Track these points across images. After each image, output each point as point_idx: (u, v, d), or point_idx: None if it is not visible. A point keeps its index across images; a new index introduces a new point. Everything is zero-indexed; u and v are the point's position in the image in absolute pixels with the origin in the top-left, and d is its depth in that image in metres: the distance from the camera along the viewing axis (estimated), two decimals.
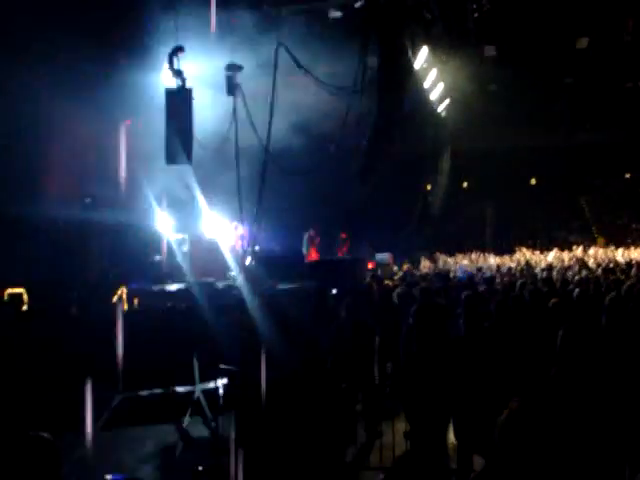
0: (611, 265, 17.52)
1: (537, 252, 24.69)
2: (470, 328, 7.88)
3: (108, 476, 5.41)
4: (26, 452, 4.27)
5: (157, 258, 20.35)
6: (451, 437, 8.29)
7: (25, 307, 13.70)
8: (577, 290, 9.62)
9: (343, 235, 25.62)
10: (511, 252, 26.01)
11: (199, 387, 11.55)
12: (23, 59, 16.93)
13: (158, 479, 8.56)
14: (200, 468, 5.79)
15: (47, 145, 20.24)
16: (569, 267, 17.29)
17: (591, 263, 18.80)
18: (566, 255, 22.85)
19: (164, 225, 21.05)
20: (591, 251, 24.26)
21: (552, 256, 23.02)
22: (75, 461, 8.94)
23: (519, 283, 12.44)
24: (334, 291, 12.83)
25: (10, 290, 13.89)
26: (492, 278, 14.50)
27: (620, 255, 22.09)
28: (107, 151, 20.95)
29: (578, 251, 24.15)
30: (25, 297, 13.72)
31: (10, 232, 17.88)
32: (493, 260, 23.17)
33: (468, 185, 37.98)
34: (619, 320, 7.31)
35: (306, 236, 24.15)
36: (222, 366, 9.53)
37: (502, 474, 3.82)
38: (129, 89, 19.90)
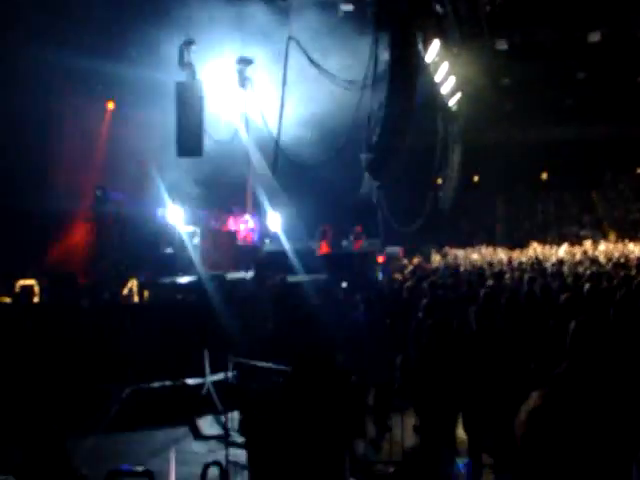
0: (622, 260, 17.45)
1: (548, 247, 24.59)
2: (483, 324, 7.84)
3: (124, 466, 5.44)
4: (35, 442, 4.31)
5: (168, 250, 20.39)
6: (460, 431, 8.29)
7: (36, 299, 13.73)
8: (588, 285, 9.57)
9: (359, 229, 25.64)
10: (522, 246, 25.91)
11: (209, 379, 11.59)
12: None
13: (168, 472, 8.56)
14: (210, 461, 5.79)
15: (57, 138, 20.33)
16: (580, 262, 17.21)
17: (602, 258, 18.70)
18: (577, 249, 22.76)
19: (175, 217, 21.09)
20: (602, 246, 24.13)
21: (563, 251, 22.93)
22: (85, 453, 8.99)
23: (528, 278, 12.41)
24: (344, 284, 12.82)
25: (21, 282, 13.92)
26: (501, 273, 14.46)
27: (631, 250, 21.97)
28: (118, 143, 21.00)
29: (587, 245, 24.03)
30: (36, 289, 13.75)
31: (21, 224, 17.96)
32: (503, 255, 23.09)
33: (479, 179, 37.87)
34: (629, 315, 7.29)
35: (319, 229, 24.17)
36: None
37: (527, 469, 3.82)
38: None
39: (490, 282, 12.09)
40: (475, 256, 24.07)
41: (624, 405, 5.00)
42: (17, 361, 10.74)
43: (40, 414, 8.49)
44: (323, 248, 23.39)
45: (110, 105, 21.89)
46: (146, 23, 19.19)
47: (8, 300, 13.02)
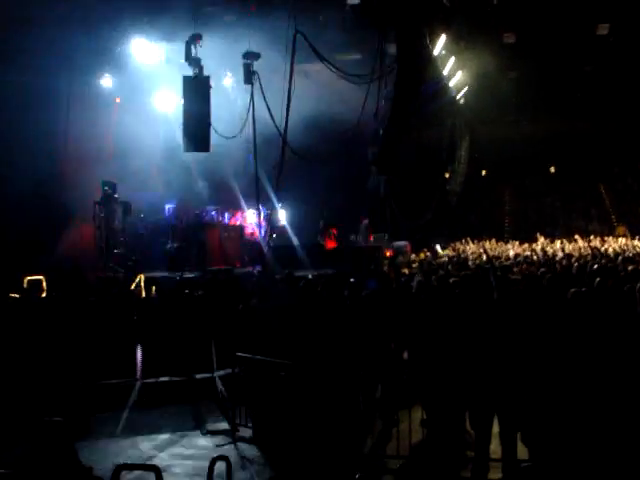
0: (630, 254, 17.37)
1: (557, 241, 24.49)
2: (491, 319, 7.83)
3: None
4: (40, 435, 4.32)
5: (175, 245, 20.46)
6: (467, 426, 8.28)
7: (44, 294, 13.79)
8: (597, 279, 9.54)
9: (367, 222, 25.67)
10: (530, 240, 25.83)
11: (217, 374, 11.61)
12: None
13: (175, 466, 8.60)
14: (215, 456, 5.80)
15: (64, 132, 20.41)
16: (588, 256, 17.15)
17: (610, 252, 18.63)
18: (582, 243, 22.64)
19: (183, 213, 21.17)
20: (610, 240, 24.02)
21: (571, 245, 22.84)
22: (93, 447, 9.03)
23: (540, 272, 12.37)
24: (352, 280, 12.79)
25: (29, 277, 13.97)
26: (509, 267, 14.41)
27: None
28: (125, 138, 21.07)
29: (596, 241, 23.92)
30: (44, 284, 13.80)
31: (29, 220, 18.03)
32: (511, 249, 23.01)
33: (487, 173, 37.78)
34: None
35: (320, 225, 24.23)
36: None
37: None
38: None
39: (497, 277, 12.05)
40: (482, 250, 23.98)
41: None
42: (26, 356, 10.78)
43: (48, 409, 8.51)
44: (329, 243, 23.40)
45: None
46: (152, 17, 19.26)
47: (17, 295, 13.07)
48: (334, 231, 24.02)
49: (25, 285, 13.74)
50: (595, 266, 12.65)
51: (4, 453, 8.17)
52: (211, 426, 10.24)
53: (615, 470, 6.28)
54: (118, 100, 21.98)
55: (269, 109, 16.79)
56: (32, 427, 4.51)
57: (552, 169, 37.32)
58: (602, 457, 6.28)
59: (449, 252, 22.90)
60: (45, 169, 18.73)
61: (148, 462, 8.40)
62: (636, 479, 6.30)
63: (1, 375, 10.37)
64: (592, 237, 24.86)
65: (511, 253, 20.08)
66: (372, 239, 24.58)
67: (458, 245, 25.05)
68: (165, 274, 17.25)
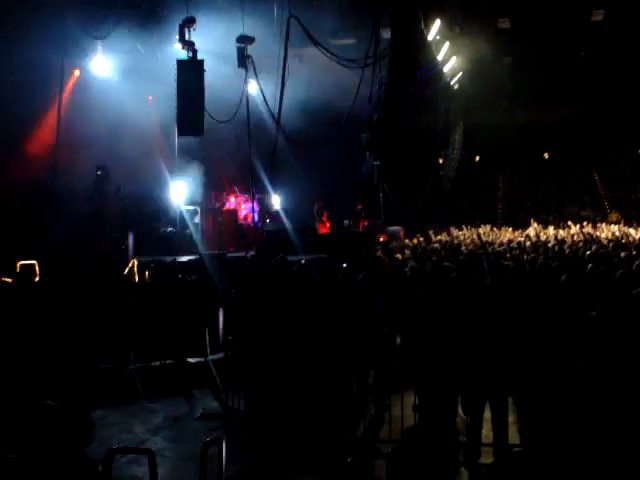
0: (623, 241, 17.42)
1: (550, 227, 24.53)
2: (482, 304, 7.86)
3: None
4: (33, 419, 4.33)
5: (169, 229, 20.45)
6: (459, 411, 8.34)
7: (37, 278, 13.75)
8: (590, 265, 9.58)
9: (360, 206, 25.69)
10: (523, 226, 25.87)
11: (210, 358, 11.64)
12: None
13: (168, 450, 8.63)
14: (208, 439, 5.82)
15: (57, 115, 20.32)
16: (580, 242, 17.19)
17: (603, 238, 18.69)
18: (575, 229, 22.67)
19: (176, 196, 21.11)
20: (603, 227, 24.08)
21: (564, 231, 22.89)
22: (87, 431, 9.05)
23: (529, 258, 12.43)
24: (344, 265, 12.81)
25: (22, 261, 13.92)
26: (502, 253, 14.46)
27: (633, 231, 21.90)
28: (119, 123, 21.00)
29: (589, 227, 23.97)
30: (37, 268, 13.76)
31: (22, 204, 17.99)
32: (504, 235, 23.05)
33: (480, 159, 37.79)
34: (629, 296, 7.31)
35: (315, 208, 24.25)
36: None
37: None
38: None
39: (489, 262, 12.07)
40: (476, 236, 23.99)
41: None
42: (18, 340, 10.76)
43: (41, 394, 8.52)
44: (323, 228, 23.42)
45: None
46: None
47: (9, 280, 13.02)
48: (325, 216, 24.07)
49: (17, 269, 13.69)
50: (587, 252, 12.70)
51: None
52: (204, 410, 10.28)
53: (607, 455, 6.33)
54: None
55: (263, 93, 16.75)
56: (26, 411, 4.51)
57: (546, 155, 37.35)
58: (594, 442, 6.33)
59: (442, 238, 22.92)
60: (38, 153, 18.68)
61: (141, 446, 8.42)
62: (627, 464, 6.35)
63: None
64: (585, 223, 24.91)
65: (504, 239, 20.12)
66: (366, 224, 24.63)
67: (452, 231, 25.08)
68: (158, 258, 17.22)
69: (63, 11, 17.75)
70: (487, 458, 7.60)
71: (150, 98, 22.34)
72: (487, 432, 7.89)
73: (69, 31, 18.25)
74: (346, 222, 25.24)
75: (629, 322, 6.73)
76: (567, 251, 14.30)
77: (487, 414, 7.90)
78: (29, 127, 19.22)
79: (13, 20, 17.35)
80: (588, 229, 23.07)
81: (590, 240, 17.48)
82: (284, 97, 15.91)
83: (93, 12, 18.79)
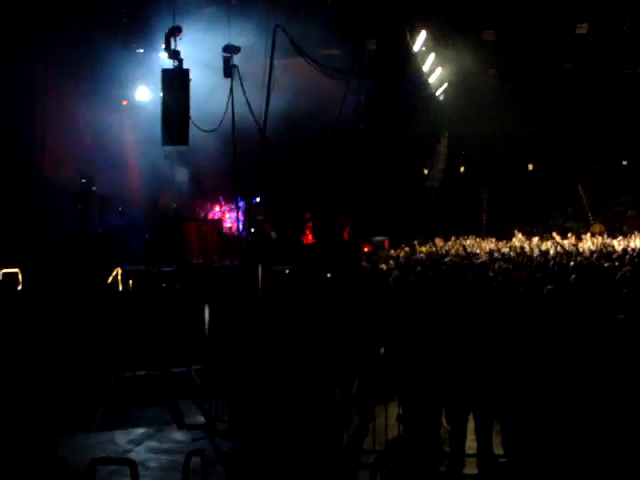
0: (605, 252, 17.53)
1: (535, 238, 24.65)
2: (467, 315, 7.87)
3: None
4: (16, 430, 4.30)
5: (151, 239, 20.38)
6: (443, 421, 8.33)
7: (20, 287, 13.68)
8: (573, 276, 9.61)
9: (343, 218, 25.69)
10: (507, 238, 25.99)
11: (194, 368, 11.58)
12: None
13: (151, 461, 8.57)
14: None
15: (44, 126, 20.22)
16: (565, 253, 17.26)
17: (586, 249, 18.81)
18: (559, 240, 22.79)
19: (161, 205, 21.06)
20: (587, 238, 24.23)
21: (548, 243, 23.00)
22: (69, 441, 8.98)
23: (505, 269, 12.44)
24: (328, 275, 12.81)
25: (4, 270, 13.85)
26: (485, 264, 14.47)
27: (617, 242, 22.05)
28: (104, 131, 20.91)
29: (572, 239, 24.10)
30: (20, 277, 13.69)
31: (4, 213, 17.86)
32: (488, 246, 23.13)
33: (465, 170, 37.95)
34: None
35: (302, 218, 24.27)
36: None
37: None
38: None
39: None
40: (461, 247, 24.08)
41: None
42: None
43: (23, 404, 8.46)
44: (308, 237, 23.44)
45: None
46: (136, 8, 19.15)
47: None
48: (310, 225, 24.09)
49: (0, 278, 13.61)
50: (571, 263, 12.75)
51: None
52: (188, 420, 10.23)
53: (591, 464, 6.34)
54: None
55: (249, 103, 16.74)
56: (7, 421, 4.47)
57: (530, 166, 37.56)
58: (579, 452, 6.34)
59: (426, 249, 22.96)
60: (21, 161, 18.56)
61: (124, 456, 8.36)
62: (611, 472, 6.37)
63: None
64: (570, 235, 25.06)
65: (488, 250, 20.19)
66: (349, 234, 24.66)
67: (437, 241, 25.12)
68: (142, 267, 17.14)
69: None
70: (471, 469, 7.59)
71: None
72: (471, 442, 7.89)
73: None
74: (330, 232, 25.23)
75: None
76: (551, 262, 14.35)
77: (471, 424, 7.91)
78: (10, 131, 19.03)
79: None
80: (571, 240, 23.20)
81: (574, 251, 17.56)
82: (270, 107, 15.92)
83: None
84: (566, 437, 6.59)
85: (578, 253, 17.14)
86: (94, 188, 19.73)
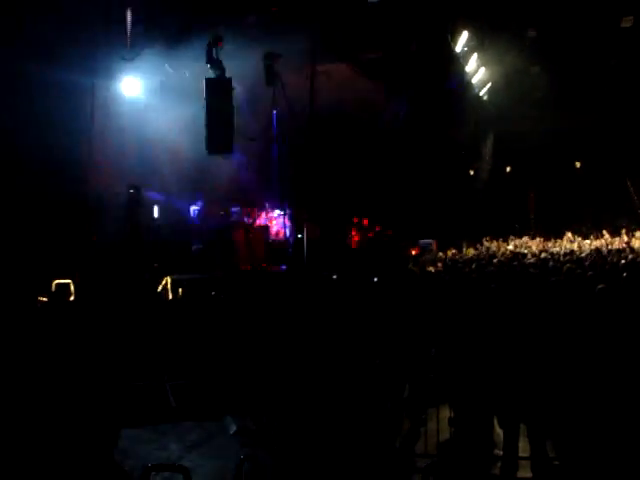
0: None
1: (584, 237, 24.29)
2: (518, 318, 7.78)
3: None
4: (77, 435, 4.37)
5: (200, 247, 20.55)
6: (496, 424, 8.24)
7: (72, 298, 13.88)
8: (625, 274, 9.44)
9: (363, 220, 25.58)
10: (557, 236, 25.65)
11: (243, 376, 11.62)
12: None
13: (203, 467, 8.62)
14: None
15: (92, 136, 20.48)
16: (616, 251, 16.97)
17: (637, 247, 18.47)
18: (609, 238, 22.42)
19: (208, 214, 21.22)
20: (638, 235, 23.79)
21: (599, 241, 22.66)
22: (123, 446, 9.08)
23: (565, 268, 12.26)
24: (375, 279, 12.79)
25: (57, 281, 14.07)
26: (534, 265, 14.29)
27: None
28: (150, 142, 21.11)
29: (625, 236, 23.69)
30: (72, 288, 13.90)
31: (57, 224, 18.14)
32: (536, 246, 22.86)
33: (512, 169, 37.54)
34: None
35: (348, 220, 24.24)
36: None
37: None
38: None
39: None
40: (510, 247, 23.86)
41: None
42: (52, 360, 10.84)
43: (77, 412, 8.57)
44: (355, 238, 23.43)
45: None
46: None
47: (45, 299, 13.16)
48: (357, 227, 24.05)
49: (53, 289, 13.83)
50: (622, 261, 12.54)
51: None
52: (238, 427, 10.26)
53: None
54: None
55: (291, 109, 16.83)
56: (70, 427, 4.54)
57: (577, 164, 37.01)
58: (631, 458, 6.23)
59: (473, 250, 22.79)
60: (70, 171, 18.80)
61: (178, 464, 8.42)
62: None
63: (30, 379, 10.45)
64: (623, 232, 24.65)
65: (534, 248, 19.97)
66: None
67: (485, 242, 24.94)
68: (191, 276, 17.29)
69: (95, 33, 17.90)
70: (525, 472, 7.50)
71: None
72: (524, 445, 7.79)
73: (99, 52, 18.41)
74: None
75: None
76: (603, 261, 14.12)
77: (523, 427, 7.81)
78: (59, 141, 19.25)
79: (45, 40, 17.48)
80: (624, 238, 22.82)
81: (627, 249, 17.26)
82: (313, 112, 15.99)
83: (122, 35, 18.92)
84: (622, 443, 6.47)
85: (631, 251, 16.86)
86: (141, 198, 19.98)
